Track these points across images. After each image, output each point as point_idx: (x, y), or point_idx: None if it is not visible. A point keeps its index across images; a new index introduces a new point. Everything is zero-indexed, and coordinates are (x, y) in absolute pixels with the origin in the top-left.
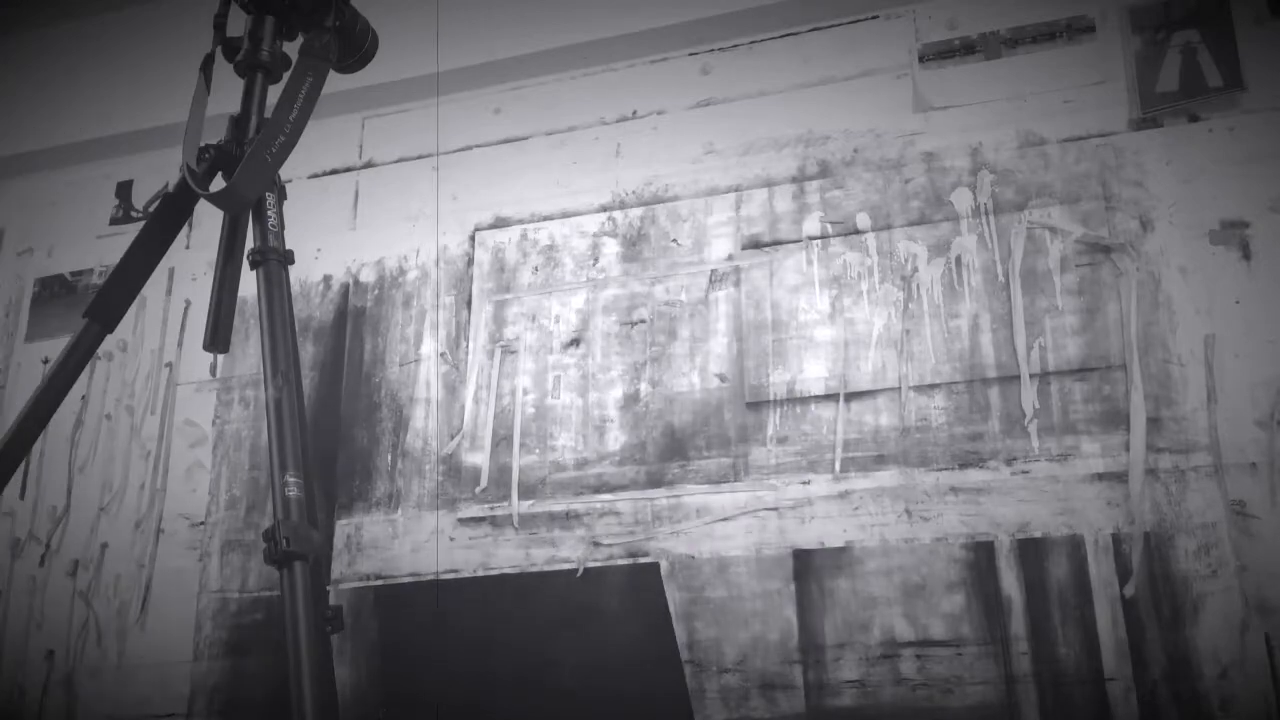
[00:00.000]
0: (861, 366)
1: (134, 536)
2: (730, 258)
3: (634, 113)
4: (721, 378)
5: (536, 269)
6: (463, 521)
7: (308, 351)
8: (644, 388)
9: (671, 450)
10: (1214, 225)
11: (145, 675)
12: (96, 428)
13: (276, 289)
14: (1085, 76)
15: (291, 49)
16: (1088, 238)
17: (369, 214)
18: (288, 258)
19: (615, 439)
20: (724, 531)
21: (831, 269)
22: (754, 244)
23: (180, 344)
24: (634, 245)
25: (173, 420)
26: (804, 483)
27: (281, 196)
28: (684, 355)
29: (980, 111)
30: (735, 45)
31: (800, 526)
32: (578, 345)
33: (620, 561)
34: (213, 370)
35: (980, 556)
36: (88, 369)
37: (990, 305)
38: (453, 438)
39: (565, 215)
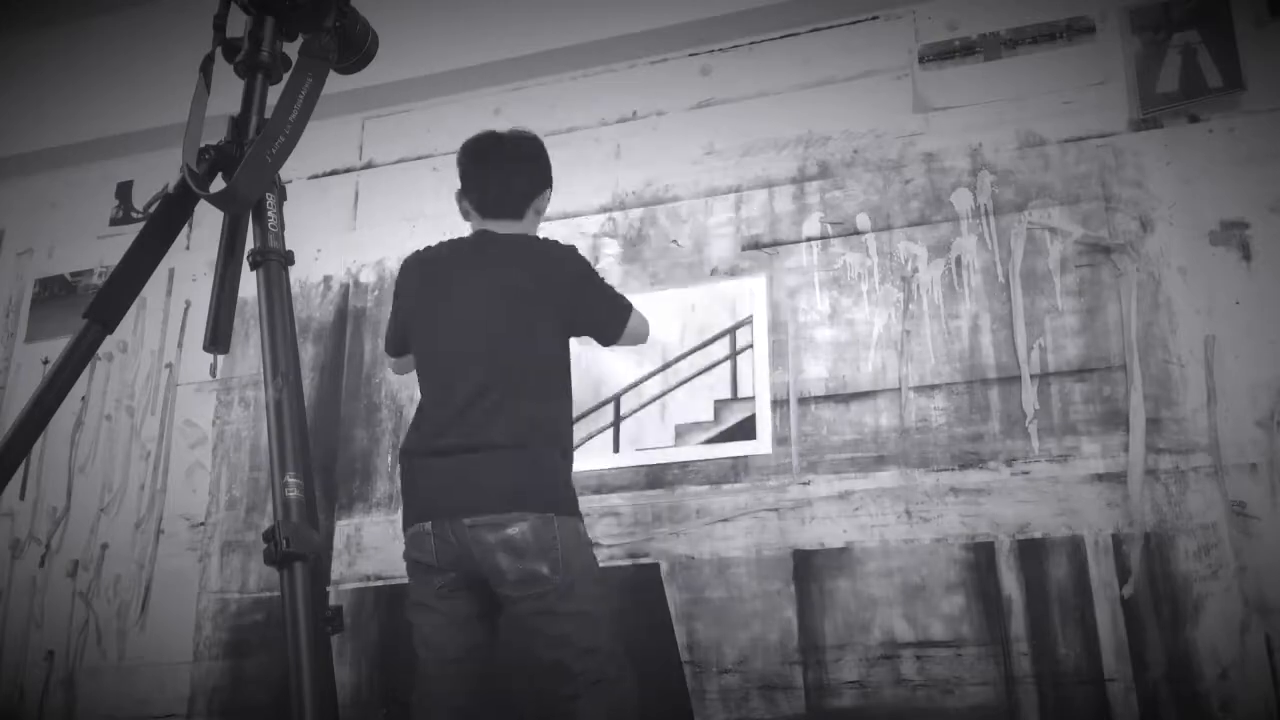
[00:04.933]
0: (862, 367)
1: (134, 537)
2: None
3: (634, 113)
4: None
5: None
6: None
7: (308, 352)
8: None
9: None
10: (1214, 225)
11: (145, 675)
12: (96, 428)
13: (276, 290)
14: (1085, 77)
15: (291, 50)
16: (1088, 238)
17: (369, 214)
18: (288, 258)
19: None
20: (724, 532)
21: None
22: (754, 245)
23: (180, 344)
24: (634, 246)
25: (173, 421)
26: (803, 483)
27: (282, 197)
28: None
29: (980, 112)
30: (735, 46)
31: (800, 527)
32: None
33: (620, 562)
34: (213, 371)
35: (980, 557)
36: (88, 369)
37: (990, 306)
38: None
39: (565, 216)
